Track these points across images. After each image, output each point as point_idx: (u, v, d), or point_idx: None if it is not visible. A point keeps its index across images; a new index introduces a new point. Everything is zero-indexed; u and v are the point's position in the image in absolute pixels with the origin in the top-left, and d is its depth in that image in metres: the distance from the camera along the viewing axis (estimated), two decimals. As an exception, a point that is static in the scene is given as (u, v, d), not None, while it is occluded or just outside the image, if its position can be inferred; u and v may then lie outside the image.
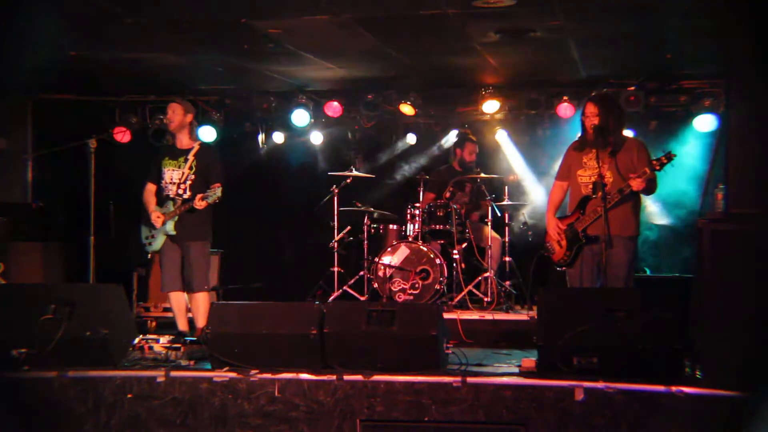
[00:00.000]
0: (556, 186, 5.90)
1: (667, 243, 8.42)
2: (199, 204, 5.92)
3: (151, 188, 6.22)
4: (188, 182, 6.09)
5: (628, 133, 7.71)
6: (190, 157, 6.12)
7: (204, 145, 6.30)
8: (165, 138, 7.56)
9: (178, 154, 6.18)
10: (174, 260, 6.12)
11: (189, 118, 6.23)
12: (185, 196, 6.05)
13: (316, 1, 5.77)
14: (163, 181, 6.15)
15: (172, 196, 6.09)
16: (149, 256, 6.39)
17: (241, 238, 8.64)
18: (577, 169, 5.69)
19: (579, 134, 5.79)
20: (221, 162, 6.23)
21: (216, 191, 5.88)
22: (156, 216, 6.06)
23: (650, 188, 5.53)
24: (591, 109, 5.59)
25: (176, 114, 6.19)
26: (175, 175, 6.12)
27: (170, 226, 6.03)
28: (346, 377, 4.43)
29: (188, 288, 6.12)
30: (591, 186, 5.58)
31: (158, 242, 6.11)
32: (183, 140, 6.23)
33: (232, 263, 8.29)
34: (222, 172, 6.14)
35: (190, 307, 6.22)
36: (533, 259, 6.22)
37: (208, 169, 6.11)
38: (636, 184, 5.38)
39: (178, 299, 6.18)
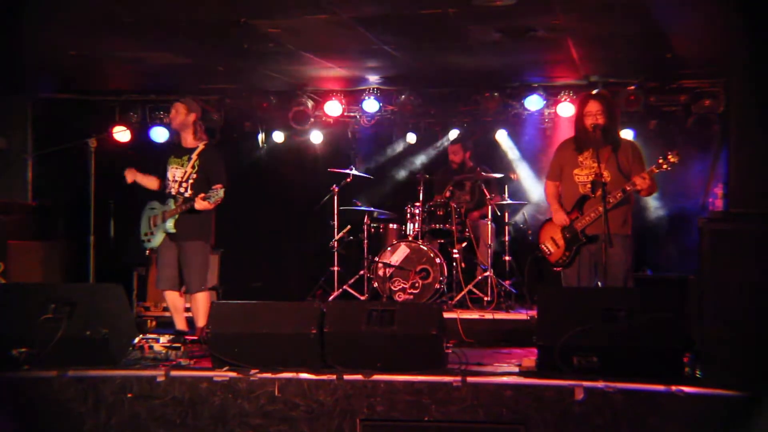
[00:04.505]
0: (548, 186, 5.89)
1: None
2: (200, 204, 5.90)
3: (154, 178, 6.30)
4: (190, 181, 6.09)
5: (626, 132, 7.76)
6: (194, 156, 6.13)
7: (209, 145, 6.30)
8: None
9: (183, 152, 6.19)
10: (170, 259, 6.11)
11: (192, 117, 6.22)
12: (186, 195, 6.06)
13: (316, 0, 5.77)
14: (167, 180, 6.16)
15: (173, 194, 6.10)
16: (147, 252, 6.40)
17: (241, 238, 8.65)
18: (572, 168, 5.68)
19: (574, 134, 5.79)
20: (224, 163, 6.23)
21: (218, 192, 5.86)
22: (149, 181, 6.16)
23: (652, 188, 5.55)
24: (595, 107, 5.57)
25: (179, 113, 6.20)
26: (177, 173, 6.13)
27: (170, 224, 6.03)
28: (346, 377, 4.42)
29: (188, 288, 6.13)
30: (589, 185, 5.57)
31: (157, 239, 6.11)
32: (188, 139, 6.24)
33: (232, 263, 8.29)
34: (224, 173, 6.13)
35: (190, 306, 6.22)
36: (528, 259, 6.22)
37: (210, 169, 6.11)
38: (641, 183, 5.38)
39: (173, 298, 6.18)
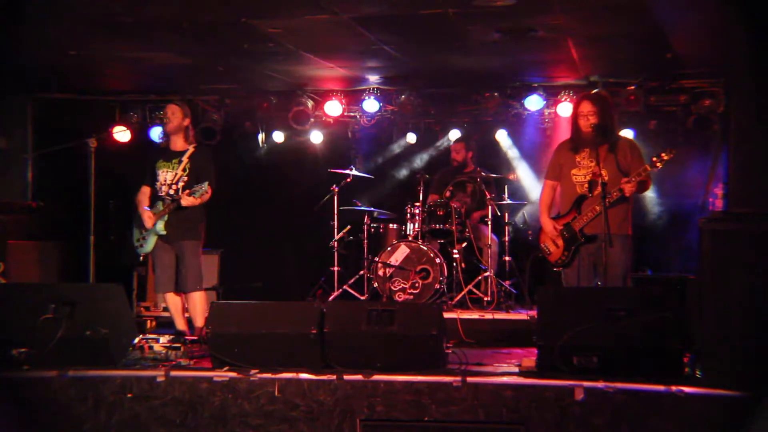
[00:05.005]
0: (547, 186, 5.90)
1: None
2: (186, 200, 5.89)
3: (145, 190, 6.22)
4: (180, 183, 6.08)
5: (626, 132, 7.76)
6: (185, 159, 6.12)
7: (199, 148, 6.28)
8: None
9: (172, 156, 6.17)
10: (167, 261, 6.11)
11: (186, 121, 6.21)
12: (176, 197, 6.04)
13: (316, 0, 5.77)
14: (158, 183, 6.15)
15: (163, 197, 6.08)
16: (141, 258, 6.40)
17: (241, 238, 8.65)
18: (570, 168, 5.69)
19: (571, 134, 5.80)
20: (214, 165, 6.20)
21: (203, 186, 5.83)
22: (148, 216, 6.06)
23: (643, 189, 5.56)
24: (588, 107, 5.59)
25: (175, 116, 6.18)
26: (168, 176, 6.12)
27: (160, 226, 6.01)
28: (346, 377, 4.42)
29: (183, 288, 6.12)
30: (587, 185, 5.58)
31: (150, 243, 6.10)
32: (177, 143, 6.22)
33: (232, 263, 8.29)
34: (214, 175, 6.09)
35: (187, 307, 6.21)
36: (529, 259, 6.22)
37: (200, 171, 6.08)
38: (628, 188, 5.39)
39: (173, 300, 6.18)
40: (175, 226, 6.03)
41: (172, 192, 6.06)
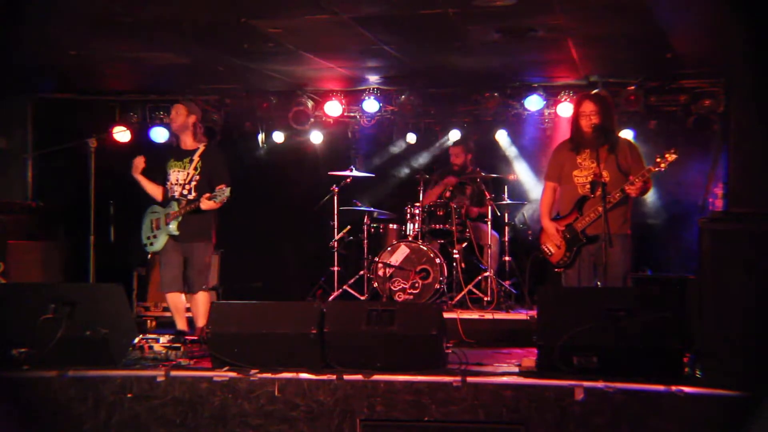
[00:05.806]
0: (548, 188, 5.89)
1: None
2: (206, 204, 5.91)
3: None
4: (193, 183, 6.10)
5: (626, 132, 7.76)
6: (195, 158, 6.13)
7: (209, 146, 6.30)
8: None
9: (183, 155, 6.19)
10: (175, 261, 6.12)
11: (192, 119, 6.23)
12: (190, 197, 6.06)
13: (316, 0, 5.77)
14: (169, 183, 6.16)
15: (177, 197, 6.09)
16: (149, 256, 6.40)
17: (241, 238, 8.64)
18: (571, 169, 5.69)
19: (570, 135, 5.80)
20: (227, 163, 6.23)
21: (225, 191, 5.87)
22: (153, 189, 6.11)
23: (645, 190, 5.57)
24: (590, 107, 5.59)
25: (179, 115, 6.20)
26: (180, 176, 6.13)
27: (173, 227, 6.03)
28: (346, 377, 4.42)
29: (189, 288, 6.13)
30: (588, 186, 5.58)
31: (160, 242, 6.11)
32: (187, 141, 6.24)
33: (232, 263, 8.29)
34: (227, 173, 6.14)
35: (190, 306, 6.22)
36: (530, 260, 6.21)
37: (212, 170, 6.12)
38: (633, 190, 5.40)
39: (175, 299, 6.18)
40: (186, 227, 6.04)
41: (185, 192, 6.07)
